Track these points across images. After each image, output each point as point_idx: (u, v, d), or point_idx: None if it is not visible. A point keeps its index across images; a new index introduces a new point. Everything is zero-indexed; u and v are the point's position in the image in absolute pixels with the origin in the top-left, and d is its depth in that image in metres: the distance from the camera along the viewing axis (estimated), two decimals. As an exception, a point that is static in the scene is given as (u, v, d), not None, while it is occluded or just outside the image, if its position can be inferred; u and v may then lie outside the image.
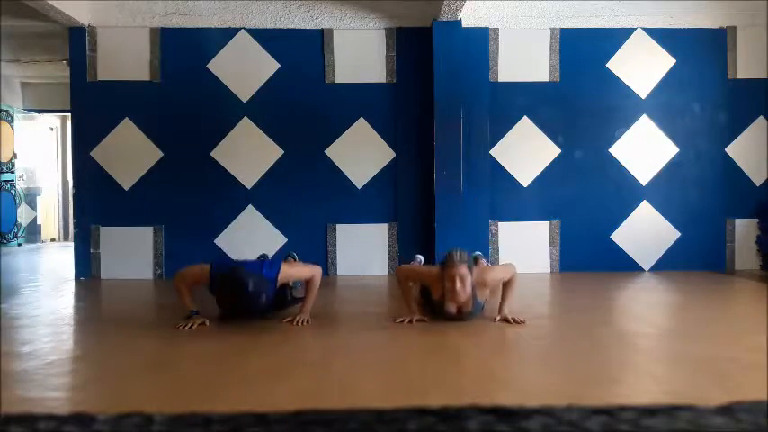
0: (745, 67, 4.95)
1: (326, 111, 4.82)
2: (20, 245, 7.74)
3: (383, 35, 4.85)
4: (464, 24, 4.74)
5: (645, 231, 4.91)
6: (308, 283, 3.13)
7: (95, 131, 4.77)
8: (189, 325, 2.92)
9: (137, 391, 1.93)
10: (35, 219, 8.26)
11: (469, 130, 4.75)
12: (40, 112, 8.30)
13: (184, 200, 4.72)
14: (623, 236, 4.92)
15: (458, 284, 2.82)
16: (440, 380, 2.03)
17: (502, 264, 3.11)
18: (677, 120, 4.95)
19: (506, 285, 3.11)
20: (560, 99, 4.88)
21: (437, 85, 4.63)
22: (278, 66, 4.80)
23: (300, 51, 4.82)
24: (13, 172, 7.70)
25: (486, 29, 4.87)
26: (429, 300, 3.15)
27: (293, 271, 3.15)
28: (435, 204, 4.64)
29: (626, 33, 4.93)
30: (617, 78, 4.92)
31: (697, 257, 4.91)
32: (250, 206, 4.80)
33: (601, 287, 4.15)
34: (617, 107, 4.92)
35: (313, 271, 3.14)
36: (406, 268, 3.30)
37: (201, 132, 4.76)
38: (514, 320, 2.93)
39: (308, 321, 3.00)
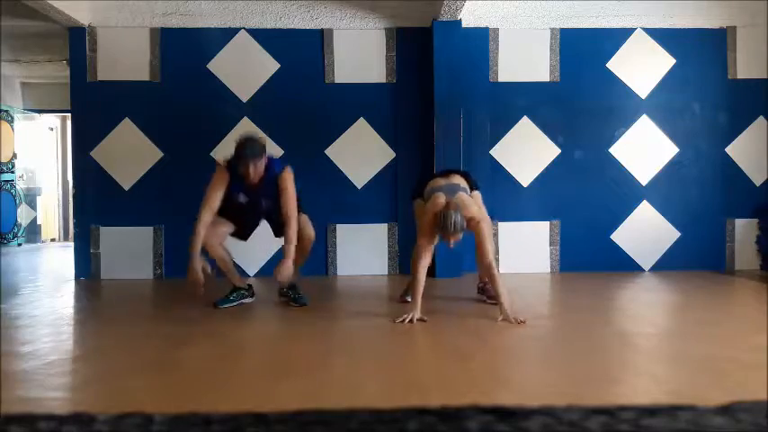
0: (745, 67, 4.95)
1: (326, 111, 4.82)
2: (20, 245, 7.74)
3: (383, 35, 4.85)
4: (464, 24, 4.74)
5: (645, 231, 4.91)
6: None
7: (95, 131, 4.77)
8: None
9: (137, 391, 1.93)
10: (35, 219, 8.26)
11: (469, 130, 4.75)
12: (40, 112, 8.30)
13: (184, 200, 4.68)
14: (623, 236, 4.92)
15: (452, 243, 3.13)
16: (440, 380, 2.03)
17: (485, 221, 3.25)
18: (677, 120, 4.95)
19: (491, 279, 3.12)
20: (560, 99, 4.88)
21: (437, 85, 4.63)
22: (278, 66, 4.80)
23: (300, 51, 4.82)
24: (13, 172, 7.70)
25: (486, 29, 4.87)
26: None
27: (288, 185, 3.32)
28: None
29: (626, 33, 4.93)
30: (617, 78, 4.92)
31: (697, 257, 4.91)
32: (250, 206, 4.79)
33: (601, 287, 4.16)
34: (617, 107, 4.92)
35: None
36: (421, 240, 3.21)
37: (201, 132, 4.76)
38: (516, 320, 2.93)
39: (295, 274, 3.26)
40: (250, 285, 3.60)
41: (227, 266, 3.50)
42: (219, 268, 3.49)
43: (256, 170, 3.27)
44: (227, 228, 3.48)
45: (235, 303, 3.44)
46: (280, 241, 4.70)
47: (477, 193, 3.46)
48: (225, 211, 3.40)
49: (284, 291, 3.51)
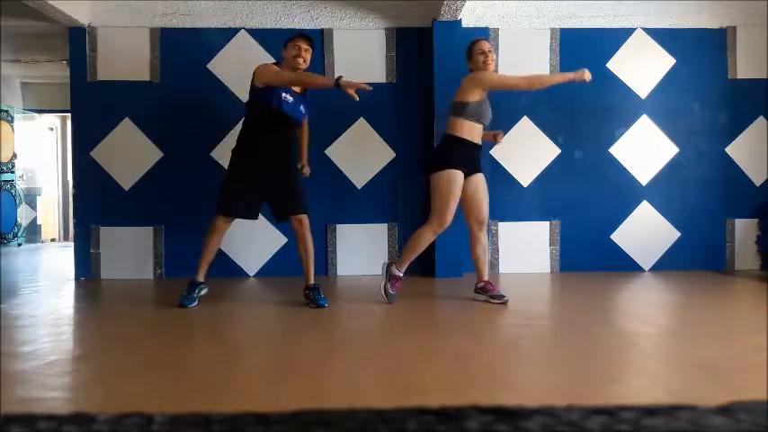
0: (745, 67, 4.95)
1: (326, 111, 4.81)
2: (20, 245, 7.75)
3: (383, 35, 4.85)
4: (464, 24, 4.74)
5: (645, 231, 4.91)
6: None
7: (95, 131, 4.77)
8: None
9: (137, 391, 1.93)
10: (35, 219, 8.27)
11: (469, 130, 4.74)
12: (40, 112, 8.31)
13: (184, 200, 4.72)
14: (623, 236, 4.93)
15: (488, 55, 3.51)
16: (440, 380, 2.03)
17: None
18: (677, 120, 4.95)
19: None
20: (560, 99, 4.88)
21: (437, 85, 4.63)
22: (278, 66, 4.80)
23: (300, 51, 4.81)
24: (13, 172, 7.70)
25: (487, 29, 4.87)
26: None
27: None
28: (435, 204, 4.64)
29: (626, 33, 4.93)
30: (617, 78, 4.92)
31: (697, 257, 4.91)
32: (250, 206, 4.79)
33: (601, 287, 4.16)
34: (617, 107, 4.92)
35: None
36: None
37: (201, 132, 4.76)
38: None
39: None
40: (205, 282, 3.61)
41: (210, 258, 3.54)
42: (203, 254, 3.52)
43: (308, 56, 3.54)
44: (229, 223, 3.58)
45: (197, 302, 3.46)
46: (279, 242, 4.74)
47: (480, 176, 3.59)
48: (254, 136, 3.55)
49: (307, 292, 3.52)
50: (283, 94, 3.48)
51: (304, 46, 3.52)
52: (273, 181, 3.54)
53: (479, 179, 3.57)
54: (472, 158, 3.54)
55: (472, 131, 3.48)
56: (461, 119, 3.47)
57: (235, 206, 3.53)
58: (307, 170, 3.84)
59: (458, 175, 3.45)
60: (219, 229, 3.51)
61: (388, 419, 1.54)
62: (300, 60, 3.50)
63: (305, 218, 3.55)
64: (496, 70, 4.85)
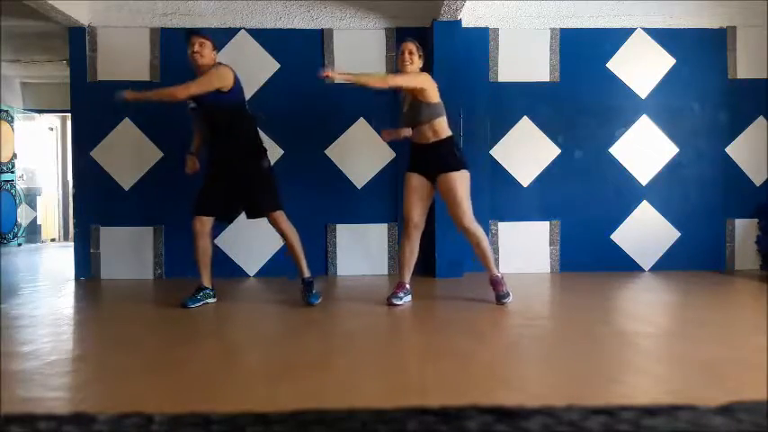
0: (745, 67, 4.95)
1: (326, 111, 4.81)
2: (20, 245, 7.74)
3: (383, 35, 4.85)
4: (464, 24, 4.74)
5: (645, 231, 4.91)
6: None
7: (95, 131, 4.77)
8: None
9: (137, 391, 1.93)
10: (35, 219, 8.27)
11: (469, 130, 4.74)
12: (40, 112, 8.31)
13: (184, 200, 4.67)
14: (623, 236, 4.92)
15: (406, 55, 3.52)
16: (440, 380, 2.03)
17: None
18: (677, 120, 4.95)
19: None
20: (560, 99, 4.88)
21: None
22: (278, 66, 4.80)
23: (300, 51, 4.82)
24: (13, 172, 7.70)
25: (486, 29, 4.87)
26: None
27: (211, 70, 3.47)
28: (435, 204, 4.63)
29: (626, 33, 4.93)
30: (617, 78, 4.92)
31: (697, 257, 4.91)
32: (250, 206, 4.79)
33: (601, 287, 4.16)
34: (617, 107, 4.92)
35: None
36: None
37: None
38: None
39: None
40: (213, 287, 3.60)
41: (205, 261, 3.54)
42: (196, 260, 3.52)
43: (201, 50, 3.42)
44: (211, 219, 3.57)
45: (200, 303, 3.46)
46: (279, 242, 4.73)
47: (465, 172, 3.52)
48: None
49: (302, 286, 3.54)
50: (190, 105, 3.53)
51: (195, 41, 3.47)
52: (233, 182, 3.54)
53: (444, 181, 3.48)
54: (422, 160, 3.57)
55: (413, 134, 3.61)
56: None
57: (201, 205, 3.54)
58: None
59: (408, 176, 3.64)
60: (197, 231, 3.50)
61: (388, 419, 1.54)
62: (196, 56, 3.46)
63: (278, 214, 3.56)
64: (496, 70, 4.87)
